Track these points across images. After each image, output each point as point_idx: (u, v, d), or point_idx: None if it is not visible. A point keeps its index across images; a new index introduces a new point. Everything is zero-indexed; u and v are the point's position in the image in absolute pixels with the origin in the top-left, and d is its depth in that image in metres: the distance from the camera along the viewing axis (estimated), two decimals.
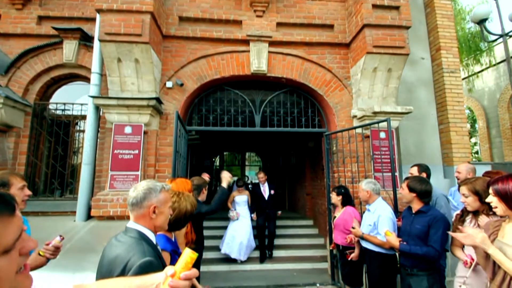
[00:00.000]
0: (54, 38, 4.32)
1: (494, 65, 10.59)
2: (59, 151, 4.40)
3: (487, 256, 1.61)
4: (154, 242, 1.28)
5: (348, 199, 3.39)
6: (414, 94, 4.98)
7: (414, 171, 3.04)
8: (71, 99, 4.63)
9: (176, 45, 4.29)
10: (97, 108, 4.06)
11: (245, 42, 4.35)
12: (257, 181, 5.77)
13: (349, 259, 3.05)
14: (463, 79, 11.17)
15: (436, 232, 2.11)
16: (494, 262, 1.55)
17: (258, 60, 4.30)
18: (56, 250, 1.53)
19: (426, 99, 5.01)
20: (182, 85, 4.15)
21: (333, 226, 3.44)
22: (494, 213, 1.80)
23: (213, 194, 3.28)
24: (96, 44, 4.00)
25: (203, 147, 9.71)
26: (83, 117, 4.43)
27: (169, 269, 0.83)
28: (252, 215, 5.44)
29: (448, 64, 4.96)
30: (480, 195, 1.86)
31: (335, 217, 3.43)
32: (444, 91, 4.88)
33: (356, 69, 4.33)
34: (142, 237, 1.22)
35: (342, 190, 3.40)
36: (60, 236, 1.59)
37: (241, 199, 5.44)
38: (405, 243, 2.27)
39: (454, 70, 4.96)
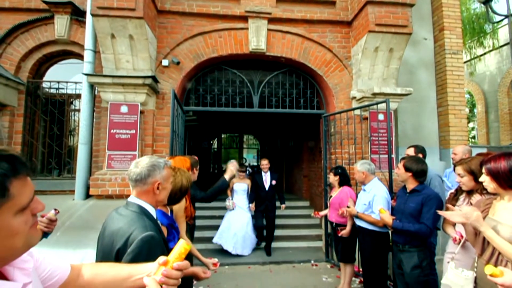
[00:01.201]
0: (44, 12, 4.15)
1: (497, 48, 10.39)
2: (55, 130, 4.36)
3: (476, 233, 1.65)
4: (155, 217, 1.29)
5: (345, 180, 3.43)
6: (415, 76, 4.91)
7: (411, 152, 3.05)
8: (65, 77, 4.52)
9: (171, 21, 4.14)
10: (92, 86, 3.98)
11: (244, 18, 4.20)
12: (255, 163, 5.62)
13: (339, 235, 3.13)
14: (465, 62, 11.00)
15: (429, 210, 2.16)
16: (484, 239, 1.59)
17: (256, 38, 4.18)
18: (51, 223, 1.54)
19: (427, 81, 4.95)
20: (178, 63, 4.05)
21: (328, 205, 3.49)
22: (488, 192, 1.83)
23: (211, 177, 3.27)
24: (89, 19, 3.85)
25: (201, 129, 9.67)
26: (78, 96, 4.36)
27: (161, 258, 0.84)
28: (251, 205, 4.90)
29: (451, 45, 4.85)
30: (475, 175, 1.88)
31: (331, 196, 3.49)
32: (445, 73, 4.81)
33: (357, 48, 4.23)
34: (143, 211, 1.23)
35: (339, 171, 3.44)
36: (55, 209, 1.59)
37: (240, 187, 4.90)
38: (398, 220, 2.32)
39: (456, 51, 4.86)
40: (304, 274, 3.99)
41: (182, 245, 0.83)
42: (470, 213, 1.61)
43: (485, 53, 10.84)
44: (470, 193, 2.00)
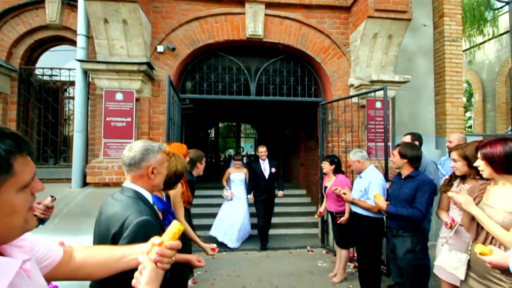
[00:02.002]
0: None
1: (497, 36, 10.29)
2: (49, 118, 4.31)
3: (472, 218, 1.68)
4: (151, 202, 1.29)
5: (340, 168, 3.47)
6: (413, 64, 4.87)
7: (407, 139, 3.06)
8: (59, 64, 4.43)
9: (166, 5, 4.03)
10: (86, 73, 3.91)
11: (241, 3, 4.10)
12: (253, 153, 5.52)
13: (338, 222, 3.19)
14: (464, 50, 10.89)
15: (422, 195, 2.19)
16: (478, 224, 1.62)
17: (254, 24, 4.09)
18: (47, 209, 1.53)
19: (425, 69, 4.91)
20: (174, 49, 3.97)
21: (325, 196, 3.52)
22: (481, 178, 1.85)
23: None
24: (81, 3, 3.74)
25: (198, 118, 9.60)
26: (72, 83, 4.29)
27: (156, 239, 0.84)
28: (249, 195, 4.66)
29: (450, 32, 4.79)
30: (469, 160, 1.89)
31: (326, 187, 3.49)
32: (444, 61, 4.78)
33: (356, 34, 4.16)
34: (139, 196, 1.23)
35: (335, 160, 3.45)
36: (52, 196, 1.58)
37: (237, 177, 4.71)
38: (392, 206, 2.35)
39: (455, 38, 4.80)
40: (300, 260, 4.07)
41: (175, 226, 0.84)
42: (458, 198, 1.64)
43: (484, 42, 10.75)
44: (463, 178, 2.02)
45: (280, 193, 4.76)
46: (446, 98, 4.75)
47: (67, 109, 4.59)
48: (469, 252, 1.71)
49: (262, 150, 4.66)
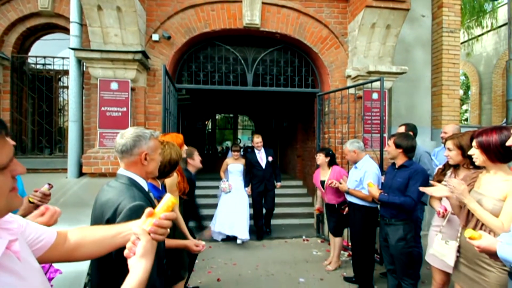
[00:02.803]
0: None
1: (496, 28, 10.24)
2: (43, 108, 4.26)
3: (461, 206, 1.71)
4: (146, 189, 1.30)
5: (334, 160, 3.50)
6: (411, 55, 4.85)
7: (402, 130, 3.08)
8: (52, 53, 4.35)
9: None
10: (80, 62, 3.85)
11: None
12: (249, 144, 5.40)
13: (344, 213, 3.20)
14: (463, 42, 10.85)
15: (414, 184, 2.22)
16: (468, 211, 1.65)
17: (251, 12, 4.03)
18: (44, 197, 1.53)
19: (422, 60, 4.90)
20: (169, 38, 3.91)
21: (323, 190, 3.44)
22: (474, 167, 1.87)
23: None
24: None
25: (195, 109, 9.54)
26: (66, 72, 4.22)
27: (149, 210, 0.84)
28: (246, 188, 4.50)
29: (449, 23, 4.76)
30: (464, 150, 1.91)
31: (323, 181, 3.40)
32: (441, 52, 4.76)
33: (354, 24, 4.12)
34: (133, 183, 1.23)
35: (330, 152, 3.46)
36: (49, 184, 1.58)
37: (235, 168, 4.51)
38: (385, 194, 2.39)
39: (454, 29, 4.78)
40: (296, 249, 4.14)
41: (169, 199, 0.84)
42: (458, 186, 1.65)
43: (483, 34, 10.69)
44: (456, 167, 2.05)
45: (277, 184, 4.65)
46: (443, 90, 4.76)
47: (61, 98, 4.54)
48: (458, 239, 1.75)
49: (257, 140, 4.52)
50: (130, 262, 0.76)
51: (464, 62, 11.24)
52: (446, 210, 2.04)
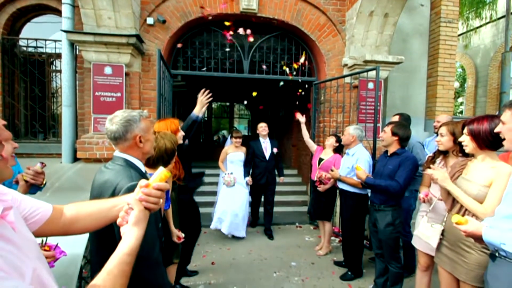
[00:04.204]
0: None
1: (494, 20, 10.19)
2: (36, 92, 4.19)
3: (448, 192, 1.77)
4: (143, 170, 1.31)
5: (340, 149, 3.48)
6: (408, 45, 4.83)
7: (396, 119, 3.11)
8: (44, 36, 4.25)
9: None
10: (73, 45, 3.78)
11: None
12: (246, 133, 5.15)
13: (318, 188, 3.31)
14: (461, 34, 10.81)
15: (403, 169, 2.27)
16: (454, 198, 1.72)
17: None
18: (37, 175, 1.55)
19: (419, 50, 4.89)
20: (164, 22, 3.83)
21: (318, 166, 3.52)
22: (463, 155, 1.92)
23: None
24: None
25: (191, 97, 9.44)
26: (58, 56, 4.14)
27: (143, 182, 0.86)
28: (247, 178, 4.06)
29: (447, 13, 4.73)
30: (456, 137, 1.96)
31: (321, 159, 3.48)
32: (438, 43, 4.75)
33: (352, 12, 4.08)
34: (129, 164, 1.25)
35: (341, 141, 3.45)
36: (41, 163, 1.60)
37: (236, 157, 4.06)
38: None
39: (451, 20, 4.75)
40: (289, 235, 4.23)
41: (162, 171, 0.86)
42: (436, 174, 1.72)
43: (481, 25, 10.64)
44: (445, 154, 2.10)
45: (280, 178, 4.30)
46: (438, 81, 4.78)
47: (54, 83, 4.46)
48: (443, 223, 1.82)
49: (262, 126, 4.09)
50: (122, 230, 0.78)
51: (461, 54, 11.23)
52: (427, 195, 2.09)
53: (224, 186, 3.97)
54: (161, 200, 0.86)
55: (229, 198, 3.93)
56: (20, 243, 0.66)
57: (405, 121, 3.09)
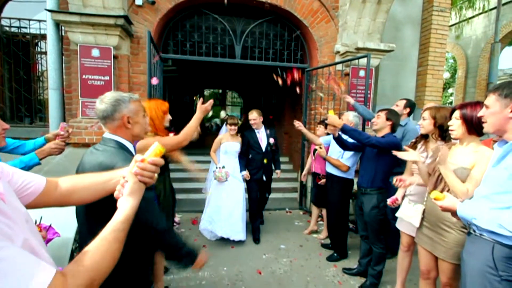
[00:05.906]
0: None
1: (487, 11, 10.24)
2: (21, 74, 4.07)
3: (429, 172, 1.82)
4: (134, 153, 1.31)
5: None
6: (400, 33, 4.84)
7: (401, 103, 3.13)
8: (27, 15, 4.07)
9: None
10: (58, 26, 3.64)
11: None
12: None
13: (319, 183, 3.39)
14: (453, 24, 10.85)
15: (384, 138, 2.36)
16: (437, 178, 1.75)
17: None
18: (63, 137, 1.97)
19: (411, 39, 4.91)
20: (153, 3, 3.72)
21: (314, 157, 3.58)
22: (442, 139, 1.99)
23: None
24: None
25: (182, 83, 9.31)
26: (44, 37, 3.99)
27: (138, 156, 0.87)
28: (244, 172, 3.50)
29: (440, 2, 4.74)
30: (436, 121, 2.01)
31: (316, 149, 3.41)
32: (430, 31, 4.78)
33: None
34: (121, 146, 1.25)
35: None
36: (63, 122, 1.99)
37: (232, 148, 3.53)
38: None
39: (444, 8, 4.77)
40: (279, 219, 4.34)
41: (157, 147, 0.88)
42: (437, 149, 1.71)
43: (473, 16, 10.69)
44: (426, 138, 2.16)
45: (277, 172, 3.79)
46: (428, 70, 4.84)
47: (40, 65, 4.32)
48: (424, 203, 1.90)
49: (254, 116, 3.50)
50: (118, 202, 0.81)
51: (453, 45, 11.31)
52: (400, 180, 2.01)
53: (216, 181, 3.45)
54: (156, 175, 0.87)
55: (223, 194, 3.44)
56: (10, 213, 0.66)
57: (409, 107, 3.14)
